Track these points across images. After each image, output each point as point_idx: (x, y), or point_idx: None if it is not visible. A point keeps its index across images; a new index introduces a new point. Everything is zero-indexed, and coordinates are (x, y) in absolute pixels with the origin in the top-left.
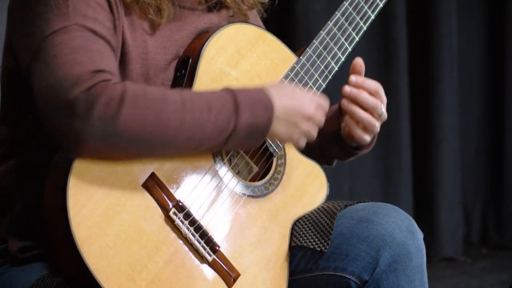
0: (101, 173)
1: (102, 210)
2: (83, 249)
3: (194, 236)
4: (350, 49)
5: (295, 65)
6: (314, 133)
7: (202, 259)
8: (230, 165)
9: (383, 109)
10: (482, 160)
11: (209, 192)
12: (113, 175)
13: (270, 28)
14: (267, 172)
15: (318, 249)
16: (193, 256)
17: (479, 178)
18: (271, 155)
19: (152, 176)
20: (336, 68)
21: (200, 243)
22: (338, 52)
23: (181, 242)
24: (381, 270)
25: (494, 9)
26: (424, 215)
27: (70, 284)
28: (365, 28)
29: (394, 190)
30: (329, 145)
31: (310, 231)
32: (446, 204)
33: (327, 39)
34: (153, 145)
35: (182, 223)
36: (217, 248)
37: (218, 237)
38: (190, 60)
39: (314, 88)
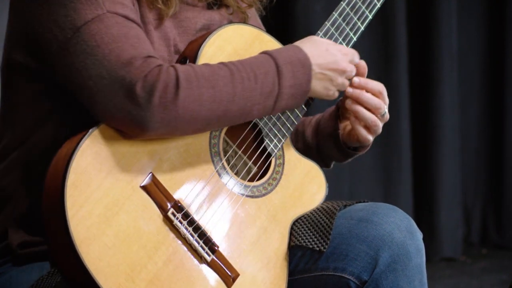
0: (99, 173)
1: (100, 211)
2: (82, 249)
3: (192, 236)
4: None
5: None
6: (346, 86)
7: (201, 259)
8: (228, 165)
9: (385, 109)
10: (482, 160)
11: (207, 192)
12: (111, 176)
13: (269, 28)
14: (266, 172)
15: (317, 248)
16: (192, 256)
17: (479, 178)
18: (269, 155)
19: (151, 176)
20: None
21: (198, 243)
22: None
23: (180, 242)
24: (380, 270)
25: (494, 9)
26: (424, 215)
27: (69, 285)
28: (362, 28)
29: (394, 190)
30: (327, 146)
31: (309, 231)
32: (446, 204)
33: (325, 39)
34: (209, 121)
35: (181, 223)
36: (216, 248)
37: (217, 237)
38: (188, 61)
39: None
